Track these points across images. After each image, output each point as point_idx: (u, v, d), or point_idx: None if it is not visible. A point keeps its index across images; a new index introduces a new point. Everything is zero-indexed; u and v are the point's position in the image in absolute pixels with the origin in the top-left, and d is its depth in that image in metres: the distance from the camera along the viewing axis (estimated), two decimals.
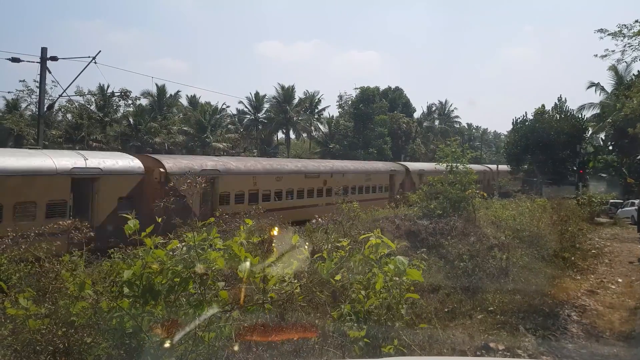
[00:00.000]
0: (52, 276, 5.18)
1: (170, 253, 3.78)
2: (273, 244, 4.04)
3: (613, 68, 40.30)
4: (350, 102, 67.53)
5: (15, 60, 21.12)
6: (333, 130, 64.63)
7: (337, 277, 4.08)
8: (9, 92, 54.72)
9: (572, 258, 15.13)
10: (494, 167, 54.16)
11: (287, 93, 63.60)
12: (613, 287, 12.94)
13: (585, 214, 24.77)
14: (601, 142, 48.61)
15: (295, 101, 65.04)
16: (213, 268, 3.75)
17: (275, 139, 70.65)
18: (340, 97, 70.81)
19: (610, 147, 44.10)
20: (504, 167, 53.52)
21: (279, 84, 64.36)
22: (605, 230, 24.40)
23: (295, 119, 63.19)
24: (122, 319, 3.80)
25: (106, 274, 6.60)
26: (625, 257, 17.04)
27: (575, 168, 40.08)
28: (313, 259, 4.39)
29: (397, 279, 4.04)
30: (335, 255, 4.14)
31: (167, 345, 3.56)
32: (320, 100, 68.32)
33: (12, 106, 49.55)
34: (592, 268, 15.13)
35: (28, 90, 44.76)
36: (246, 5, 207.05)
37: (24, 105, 49.55)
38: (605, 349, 8.59)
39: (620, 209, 31.35)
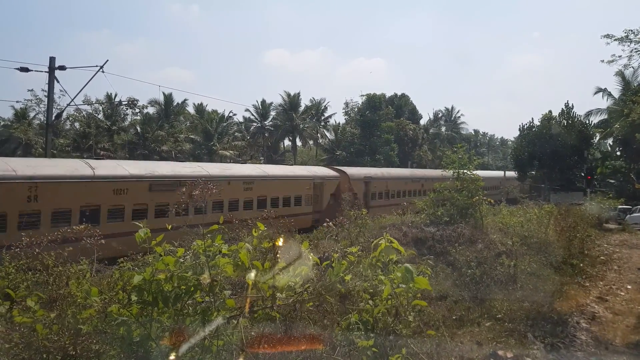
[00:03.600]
0: (61, 283, 5.21)
1: (181, 260, 3.80)
2: (278, 253, 4.03)
3: (620, 74, 40.25)
4: (356, 109, 67.66)
5: (24, 69, 21.33)
6: (339, 137, 64.69)
7: (347, 278, 4.08)
8: (17, 102, 55.40)
9: (581, 265, 15.01)
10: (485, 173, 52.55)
11: (293, 100, 63.80)
12: (622, 294, 12.83)
13: (593, 220, 24.61)
14: (609, 148, 48.35)
15: (302, 108, 65.25)
16: (221, 275, 3.77)
17: (282, 146, 70.77)
18: (347, 104, 71.04)
19: (618, 153, 43.87)
20: (496, 174, 52.57)
21: (285, 91, 64.67)
22: (614, 236, 24.19)
23: (301, 126, 63.30)
24: (130, 327, 3.82)
25: (114, 282, 6.63)
26: (634, 263, 16.87)
27: (583, 174, 39.85)
28: (322, 266, 4.39)
29: (404, 285, 4.03)
30: (344, 262, 4.14)
31: (174, 353, 3.57)
32: (327, 108, 68.56)
33: (21, 115, 50.05)
34: (601, 275, 15.01)
35: (36, 99, 45.37)
36: (253, 14, 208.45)
37: (32, 114, 50.14)
38: (615, 357, 8.51)
39: (629, 215, 31.12)
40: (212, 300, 3.83)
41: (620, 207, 32.55)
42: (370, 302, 4.14)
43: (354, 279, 4.22)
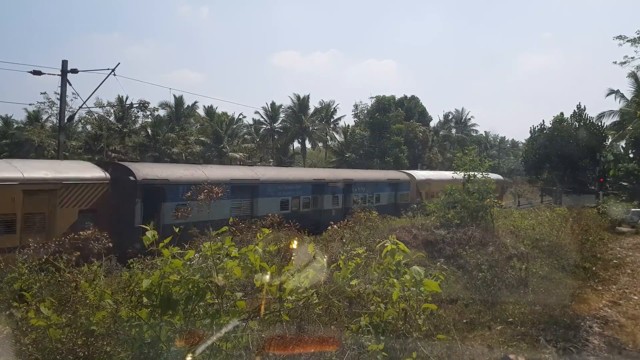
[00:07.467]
0: (72, 286, 5.25)
1: (188, 263, 3.81)
2: (292, 255, 4.03)
3: (633, 75, 39.76)
4: (365, 111, 67.58)
5: (36, 73, 21.50)
6: (349, 140, 64.64)
7: (353, 283, 4.05)
8: (30, 104, 55.99)
9: (593, 268, 14.87)
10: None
11: (302, 103, 63.91)
12: (636, 297, 12.68)
13: (606, 223, 24.38)
14: (622, 150, 47.85)
15: (311, 111, 65.33)
16: (230, 278, 3.77)
17: (292, 148, 70.90)
18: (356, 106, 71.01)
19: (631, 155, 43.37)
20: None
21: (295, 93, 64.84)
22: (627, 239, 23.90)
23: (310, 128, 63.38)
24: (141, 329, 3.84)
25: (124, 284, 6.67)
26: None
27: (595, 176, 39.50)
28: (330, 269, 4.38)
29: (414, 288, 4.01)
30: (350, 263, 4.13)
31: (185, 355, 3.58)
32: (336, 110, 68.51)
33: (34, 118, 50.65)
34: (613, 278, 14.84)
35: (49, 102, 45.66)
36: (263, 16, 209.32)
37: (45, 116, 50.59)
38: None
39: None
40: (222, 302, 3.83)
41: (633, 209, 32.20)
42: (382, 305, 4.11)
43: (362, 282, 4.20)
